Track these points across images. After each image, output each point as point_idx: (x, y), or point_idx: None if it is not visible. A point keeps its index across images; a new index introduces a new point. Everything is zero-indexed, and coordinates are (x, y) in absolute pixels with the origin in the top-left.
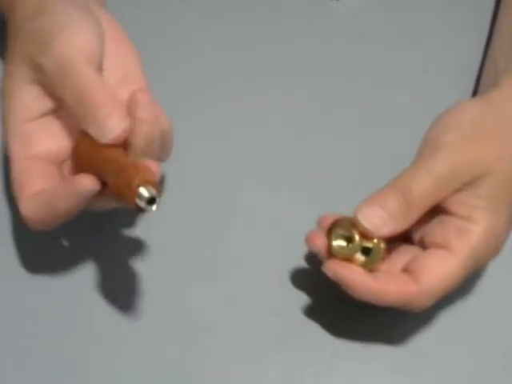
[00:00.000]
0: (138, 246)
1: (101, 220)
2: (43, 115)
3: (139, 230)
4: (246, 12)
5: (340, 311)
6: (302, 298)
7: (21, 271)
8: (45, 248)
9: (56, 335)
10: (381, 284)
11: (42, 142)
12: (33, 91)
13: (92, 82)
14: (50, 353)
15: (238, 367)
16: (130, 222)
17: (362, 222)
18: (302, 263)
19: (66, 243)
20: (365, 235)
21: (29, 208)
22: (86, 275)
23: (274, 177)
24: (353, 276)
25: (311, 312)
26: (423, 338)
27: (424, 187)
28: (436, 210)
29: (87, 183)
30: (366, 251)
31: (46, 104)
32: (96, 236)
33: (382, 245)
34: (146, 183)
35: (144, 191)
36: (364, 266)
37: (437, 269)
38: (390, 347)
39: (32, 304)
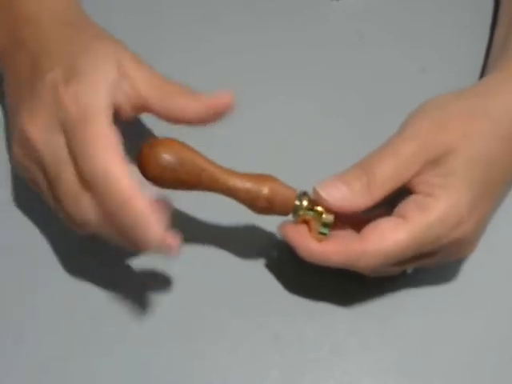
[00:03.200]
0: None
1: None
2: None
3: None
4: (245, 12)
5: (341, 311)
6: (302, 298)
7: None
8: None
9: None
10: (322, 246)
11: None
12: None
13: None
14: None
15: (238, 367)
16: None
17: (318, 192)
18: (302, 264)
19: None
20: (319, 205)
21: None
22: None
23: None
24: (297, 238)
25: (311, 312)
26: (423, 337)
27: (388, 170)
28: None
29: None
30: (319, 219)
31: None
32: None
33: (326, 215)
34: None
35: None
36: (317, 233)
37: (386, 232)
38: (390, 347)
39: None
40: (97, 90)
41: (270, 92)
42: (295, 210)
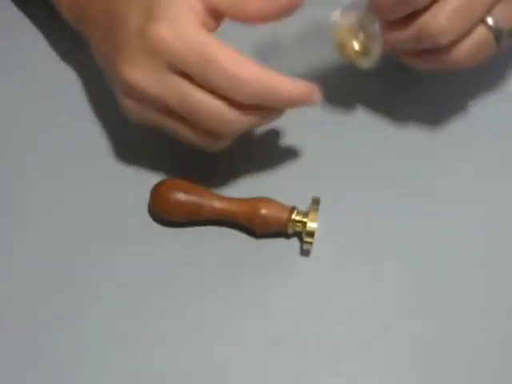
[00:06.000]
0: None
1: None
2: None
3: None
4: None
5: (340, 311)
6: (301, 299)
7: None
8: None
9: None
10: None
11: None
12: None
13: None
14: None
15: (238, 368)
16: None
17: None
18: (303, 263)
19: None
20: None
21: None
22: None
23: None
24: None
25: (311, 312)
26: (422, 336)
27: None
28: None
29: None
30: (304, 230)
31: None
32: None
33: (309, 225)
34: None
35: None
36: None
37: None
38: (390, 347)
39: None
40: (185, 16)
41: None
42: (287, 225)
